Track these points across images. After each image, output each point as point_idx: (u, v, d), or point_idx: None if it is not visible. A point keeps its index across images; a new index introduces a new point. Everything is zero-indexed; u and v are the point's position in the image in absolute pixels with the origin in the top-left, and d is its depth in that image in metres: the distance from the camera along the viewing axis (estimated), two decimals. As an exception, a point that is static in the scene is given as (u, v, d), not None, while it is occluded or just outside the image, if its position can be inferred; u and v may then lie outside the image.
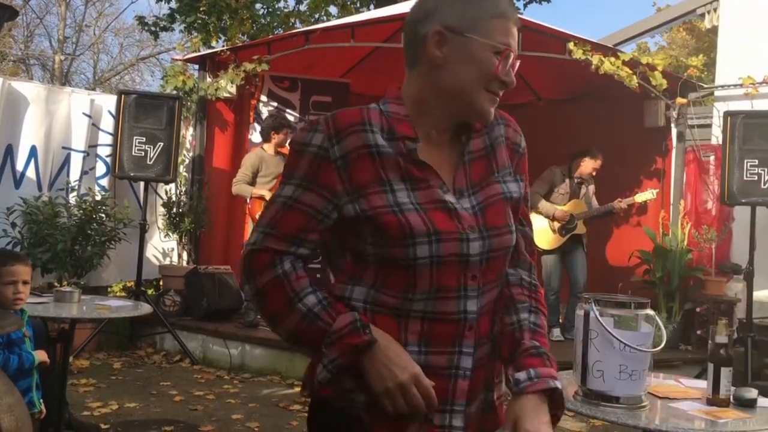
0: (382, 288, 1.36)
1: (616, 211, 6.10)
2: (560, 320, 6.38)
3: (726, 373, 2.22)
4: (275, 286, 1.35)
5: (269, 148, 6.01)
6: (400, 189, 1.35)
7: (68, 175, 6.17)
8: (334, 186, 1.35)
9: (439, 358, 1.37)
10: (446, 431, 1.38)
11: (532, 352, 1.40)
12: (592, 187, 6.28)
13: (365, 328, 1.31)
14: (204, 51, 7.46)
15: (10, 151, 5.78)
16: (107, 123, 6.44)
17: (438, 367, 1.37)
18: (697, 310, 6.04)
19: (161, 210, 6.72)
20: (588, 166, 6.14)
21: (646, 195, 6.06)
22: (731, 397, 2.24)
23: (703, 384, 2.38)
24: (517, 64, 1.39)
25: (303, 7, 10.31)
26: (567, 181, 6.22)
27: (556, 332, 6.26)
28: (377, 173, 1.34)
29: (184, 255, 6.85)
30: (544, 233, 6.21)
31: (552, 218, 6.12)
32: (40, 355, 3.06)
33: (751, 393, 2.26)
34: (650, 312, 2.24)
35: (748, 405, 2.23)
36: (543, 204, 6.12)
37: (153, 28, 10.03)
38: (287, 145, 6.30)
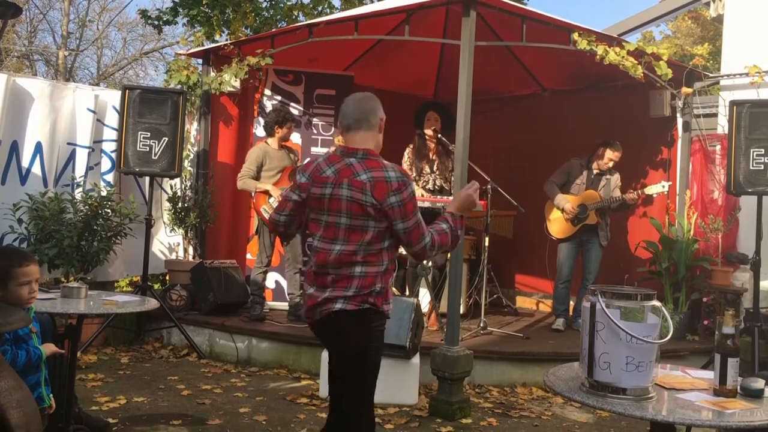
0: None
1: (628, 202, 6.07)
2: (570, 311, 6.39)
3: (733, 363, 2.22)
4: (433, 237, 2.79)
5: (273, 142, 6.01)
6: None
7: (74, 171, 6.19)
8: None
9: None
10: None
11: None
12: (615, 179, 6.24)
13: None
14: (207, 45, 7.46)
15: (15, 148, 5.80)
16: (112, 118, 6.45)
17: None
18: (704, 300, 6.03)
19: (166, 205, 6.74)
20: (604, 156, 6.15)
21: (656, 188, 6.03)
22: (738, 387, 2.24)
23: (710, 375, 2.38)
24: None
25: (306, 0, 10.28)
26: (585, 172, 6.24)
27: (560, 321, 6.28)
28: None
29: (190, 249, 6.87)
30: (558, 222, 6.27)
31: (562, 210, 6.17)
32: (48, 348, 3.08)
33: (758, 383, 2.25)
34: (656, 303, 2.24)
35: (755, 395, 2.22)
36: (558, 196, 6.19)
37: (156, 22, 10.00)
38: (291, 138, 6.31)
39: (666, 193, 6.08)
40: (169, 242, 7.01)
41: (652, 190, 6.04)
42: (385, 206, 2.68)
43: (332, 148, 6.04)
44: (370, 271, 2.71)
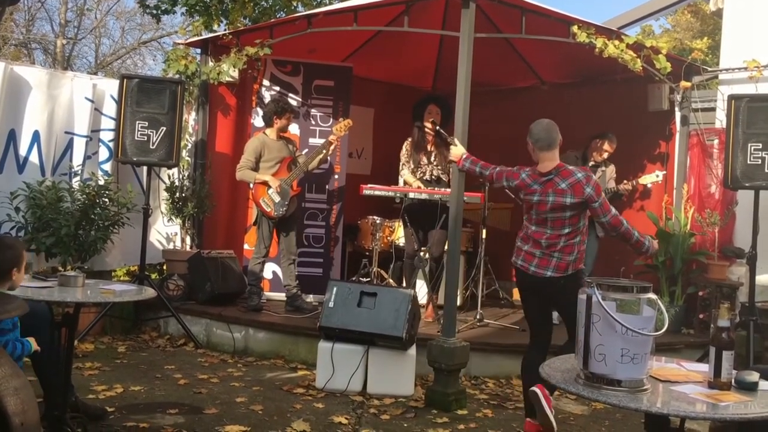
0: None
1: (621, 192, 6.08)
2: None
3: (728, 356, 2.23)
4: None
5: (271, 132, 6.00)
6: None
7: (71, 160, 6.18)
8: None
9: None
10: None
11: None
12: (610, 170, 6.26)
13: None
14: (206, 35, 7.43)
15: (13, 136, 5.78)
16: (110, 107, 6.43)
17: None
18: (700, 294, 6.05)
19: (164, 194, 6.73)
20: (598, 147, 6.16)
21: (650, 177, 6.05)
22: (733, 380, 2.25)
23: (704, 367, 2.39)
24: None
25: (305, -9, 10.24)
26: (580, 164, 6.25)
27: (554, 315, 6.29)
28: None
29: (188, 239, 6.87)
30: None
31: None
32: (34, 343, 3.12)
33: (753, 376, 2.26)
34: (652, 296, 2.25)
35: (750, 388, 2.24)
36: None
37: (154, 12, 9.96)
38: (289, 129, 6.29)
39: (660, 182, 6.09)
40: (166, 232, 7.01)
41: (647, 179, 6.05)
42: None
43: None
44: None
